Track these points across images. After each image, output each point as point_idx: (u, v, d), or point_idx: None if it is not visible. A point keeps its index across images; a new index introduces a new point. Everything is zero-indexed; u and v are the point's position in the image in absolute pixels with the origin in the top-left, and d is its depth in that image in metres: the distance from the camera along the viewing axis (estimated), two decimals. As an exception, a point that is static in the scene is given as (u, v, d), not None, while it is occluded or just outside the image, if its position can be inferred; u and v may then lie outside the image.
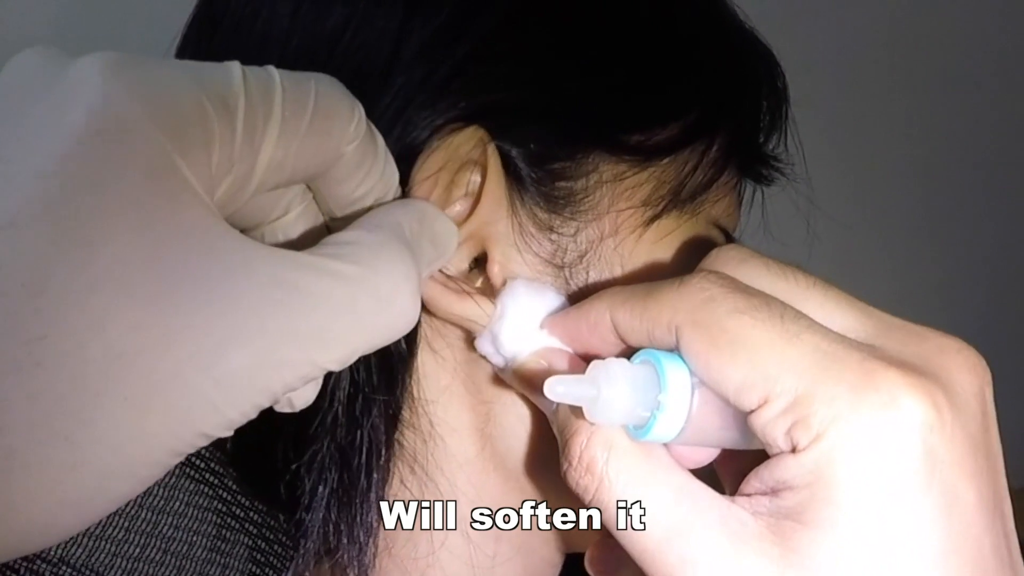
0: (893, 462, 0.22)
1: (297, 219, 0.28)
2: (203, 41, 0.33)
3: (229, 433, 0.21)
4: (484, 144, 0.30)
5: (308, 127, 0.25)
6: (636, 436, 0.26)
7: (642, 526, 0.24)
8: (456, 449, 0.33)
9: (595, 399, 0.25)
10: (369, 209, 0.28)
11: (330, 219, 0.29)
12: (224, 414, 0.21)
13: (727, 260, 0.27)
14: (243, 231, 0.26)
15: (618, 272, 0.32)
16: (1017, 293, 1.20)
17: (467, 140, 0.30)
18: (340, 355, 0.23)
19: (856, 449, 0.22)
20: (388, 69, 0.30)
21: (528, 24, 0.31)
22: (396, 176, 0.29)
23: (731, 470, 0.29)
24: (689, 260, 0.33)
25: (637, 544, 0.24)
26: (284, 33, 0.31)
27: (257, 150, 0.24)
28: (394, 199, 0.29)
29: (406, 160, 0.30)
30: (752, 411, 0.24)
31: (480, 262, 0.32)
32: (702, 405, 0.25)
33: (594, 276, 0.32)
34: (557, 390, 0.25)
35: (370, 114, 0.27)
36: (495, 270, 0.31)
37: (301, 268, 0.22)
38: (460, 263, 0.31)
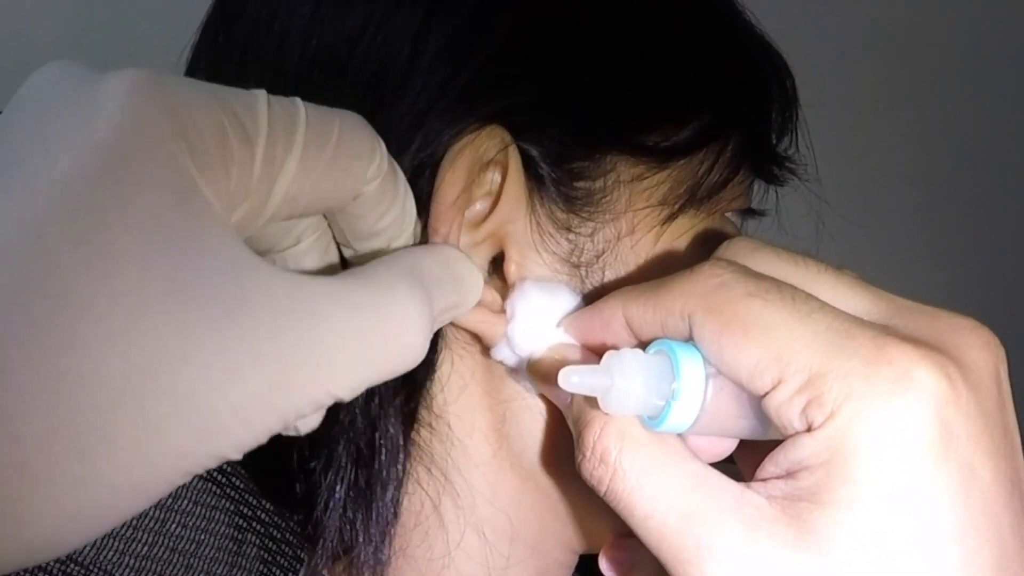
0: (908, 436, 0.22)
1: (309, 249, 0.28)
2: (219, 42, 0.33)
3: (239, 456, 0.21)
4: (505, 144, 0.30)
5: (328, 164, 0.25)
6: (651, 426, 0.26)
7: (656, 514, 0.24)
8: (472, 449, 0.33)
9: (609, 389, 0.25)
10: (386, 243, 0.28)
11: (345, 248, 0.29)
12: (238, 437, 0.21)
13: (738, 249, 0.27)
14: None
15: (634, 271, 0.32)
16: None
17: (489, 141, 0.30)
18: (351, 383, 0.23)
19: (870, 424, 0.22)
20: (409, 70, 0.30)
21: (548, 25, 0.31)
22: (414, 211, 0.29)
23: (751, 463, 0.29)
24: (704, 257, 0.33)
25: (652, 533, 0.24)
26: (303, 34, 0.31)
27: (274, 181, 0.24)
28: (419, 243, 0.29)
29: (429, 164, 0.30)
30: (766, 393, 0.24)
31: (498, 262, 0.32)
32: (717, 393, 0.25)
33: (610, 275, 0.32)
34: (572, 380, 0.26)
35: (391, 116, 0.27)
36: (512, 269, 0.31)
37: (317, 295, 0.22)
38: (480, 263, 0.31)
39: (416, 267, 0.26)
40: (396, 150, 0.29)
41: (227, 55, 0.33)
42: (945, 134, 1.11)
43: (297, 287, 0.22)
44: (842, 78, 1.03)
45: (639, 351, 0.26)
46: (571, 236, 0.32)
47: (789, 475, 0.24)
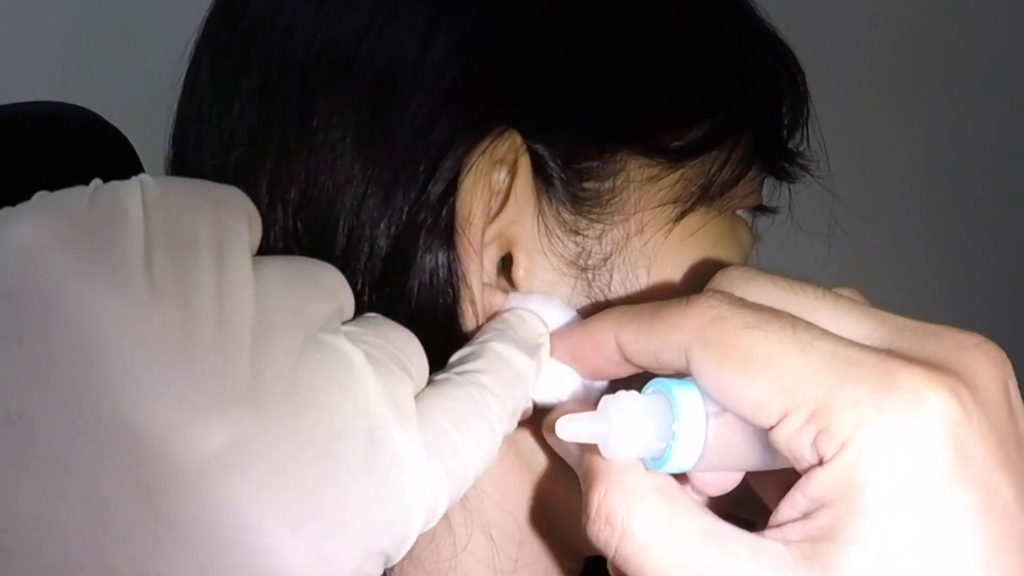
0: (923, 461, 0.21)
1: None
2: (222, 38, 0.33)
3: None
4: (517, 145, 0.30)
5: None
6: (655, 467, 0.25)
7: (669, 572, 0.23)
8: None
9: (608, 435, 0.25)
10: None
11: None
12: None
13: (732, 279, 0.27)
14: None
15: (643, 272, 0.32)
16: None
17: (502, 142, 0.29)
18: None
19: (883, 452, 0.22)
20: (417, 68, 0.29)
21: (560, 23, 0.31)
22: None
23: (771, 488, 0.28)
24: (715, 256, 0.33)
25: None
26: (308, 29, 0.30)
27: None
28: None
29: (444, 169, 0.29)
30: (773, 427, 0.23)
31: (505, 262, 0.31)
32: (721, 429, 0.25)
33: (618, 278, 0.32)
34: (568, 429, 0.25)
35: (401, 115, 0.27)
36: (520, 274, 0.31)
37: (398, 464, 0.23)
38: (489, 267, 0.31)
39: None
40: (407, 154, 0.29)
41: (230, 51, 0.32)
42: (960, 129, 1.10)
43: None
44: (854, 72, 1.02)
45: (635, 393, 0.26)
46: (578, 239, 0.31)
47: (806, 516, 0.23)
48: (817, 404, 0.22)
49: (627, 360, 0.27)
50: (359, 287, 0.29)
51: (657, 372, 0.26)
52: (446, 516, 0.33)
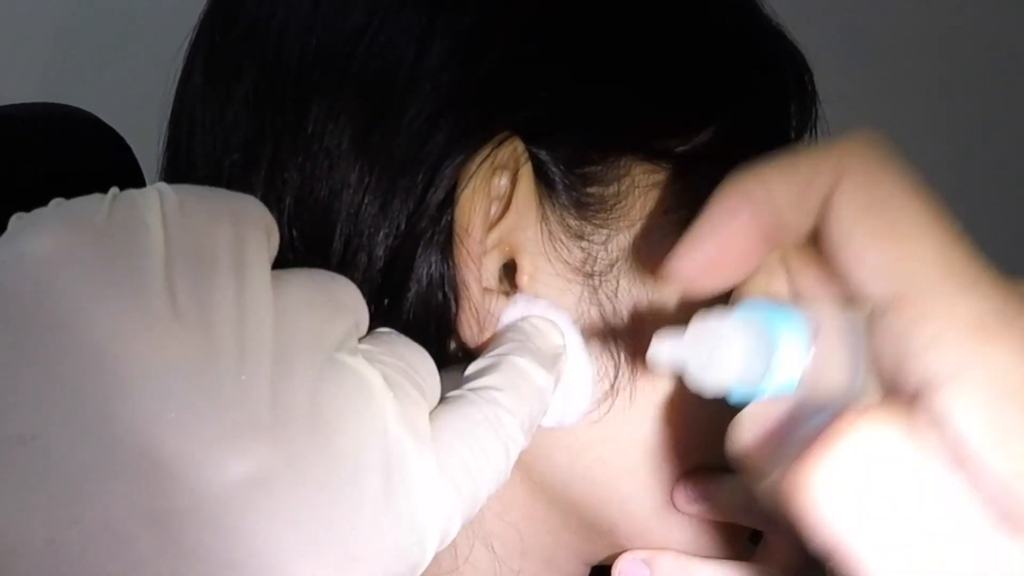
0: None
1: None
2: (215, 41, 0.32)
3: None
4: (517, 149, 0.29)
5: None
6: (748, 396, 0.23)
7: None
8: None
9: (706, 364, 0.23)
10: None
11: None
12: None
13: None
14: None
15: (650, 278, 0.31)
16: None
17: (503, 148, 0.29)
18: None
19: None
20: (414, 73, 0.29)
21: (561, 26, 0.30)
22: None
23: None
24: None
25: None
26: (303, 31, 0.30)
27: None
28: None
29: (449, 173, 0.29)
30: (877, 307, 0.20)
31: (508, 268, 0.31)
32: (817, 358, 0.22)
33: (625, 284, 0.31)
34: (661, 356, 0.23)
35: (398, 121, 0.26)
36: (524, 280, 0.30)
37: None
38: (490, 273, 0.30)
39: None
40: (404, 161, 0.28)
41: (223, 56, 0.31)
42: (969, 128, 1.10)
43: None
44: (861, 72, 1.01)
45: (729, 315, 0.23)
46: (584, 244, 0.31)
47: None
48: (933, 305, 0.19)
49: (768, 236, 0.23)
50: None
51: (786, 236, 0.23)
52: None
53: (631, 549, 0.34)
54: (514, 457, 0.26)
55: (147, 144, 0.39)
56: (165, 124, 0.34)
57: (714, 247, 0.24)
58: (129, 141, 0.55)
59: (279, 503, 0.20)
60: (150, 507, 0.20)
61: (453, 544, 0.32)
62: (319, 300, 0.24)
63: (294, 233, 0.30)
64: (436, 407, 0.26)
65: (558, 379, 0.29)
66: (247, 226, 0.23)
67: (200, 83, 0.32)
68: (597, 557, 0.35)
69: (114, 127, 0.56)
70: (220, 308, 0.21)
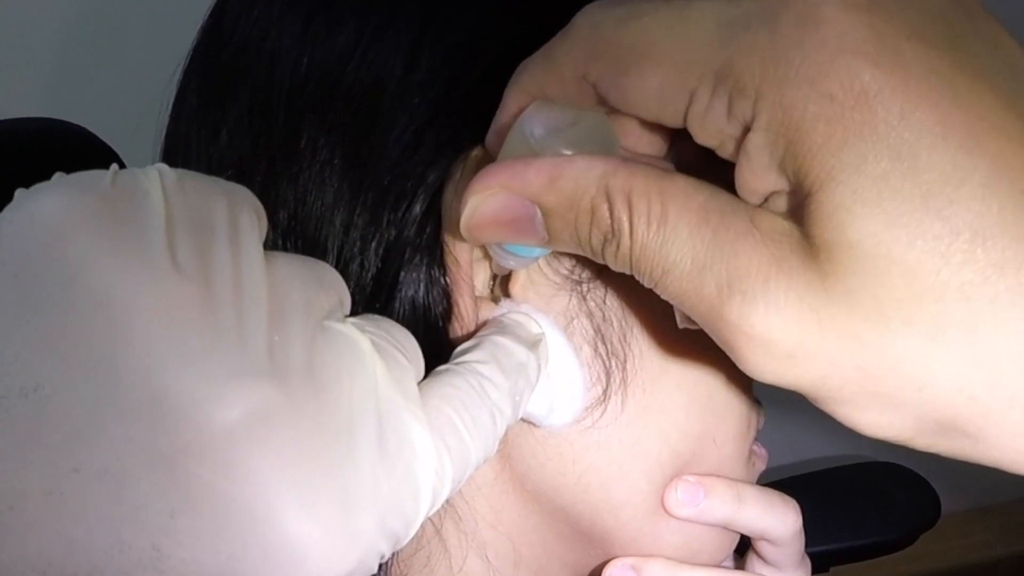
0: (845, 65, 0.19)
1: None
2: (209, 62, 0.32)
3: None
4: None
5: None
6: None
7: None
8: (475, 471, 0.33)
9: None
10: None
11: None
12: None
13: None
14: None
15: (637, 284, 0.32)
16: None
17: (487, 156, 0.29)
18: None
19: (800, 78, 0.19)
20: (403, 88, 0.29)
21: (543, 39, 0.31)
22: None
23: None
24: None
25: (672, 287, 0.22)
26: (294, 51, 0.30)
27: None
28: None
29: (433, 181, 0.29)
30: (686, 116, 0.22)
31: (502, 278, 0.31)
32: None
33: (612, 290, 0.31)
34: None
35: (388, 134, 0.27)
36: (516, 289, 0.31)
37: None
38: (480, 281, 0.31)
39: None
40: (394, 172, 0.29)
41: (217, 76, 0.32)
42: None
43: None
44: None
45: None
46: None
47: (769, 196, 0.21)
48: (716, 69, 0.20)
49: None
50: (351, 306, 0.29)
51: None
52: (441, 537, 0.33)
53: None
54: (501, 428, 0.26)
55: (141, 160, 0.39)
56: (160, 140, 0.34)
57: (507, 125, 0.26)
58: (123, 157, 0.56)
59: (279, 441, 0.20)
60: (152, 446, 0.20)
61: (448, 555, 0.33)
62: (306, 276, 0.24)
63: (288, 246, 0.30)
64: (422, 381, 0.26)
65: (542, 363, 0.29)
66: (240, 204, 0.24)
67: (195, 104, 0.32)
68: (588, 568, 0.36)
69: (109, 143, 0.56)
70: (218, 268, 0.22)
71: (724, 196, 0.22)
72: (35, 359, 0.20)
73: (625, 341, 0.31)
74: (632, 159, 0.23)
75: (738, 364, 0.21)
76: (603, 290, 0.31)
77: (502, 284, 0.31)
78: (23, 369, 0.20)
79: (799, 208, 0.20)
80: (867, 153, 0.19)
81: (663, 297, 0.22)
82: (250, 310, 0.22)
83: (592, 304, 0.31)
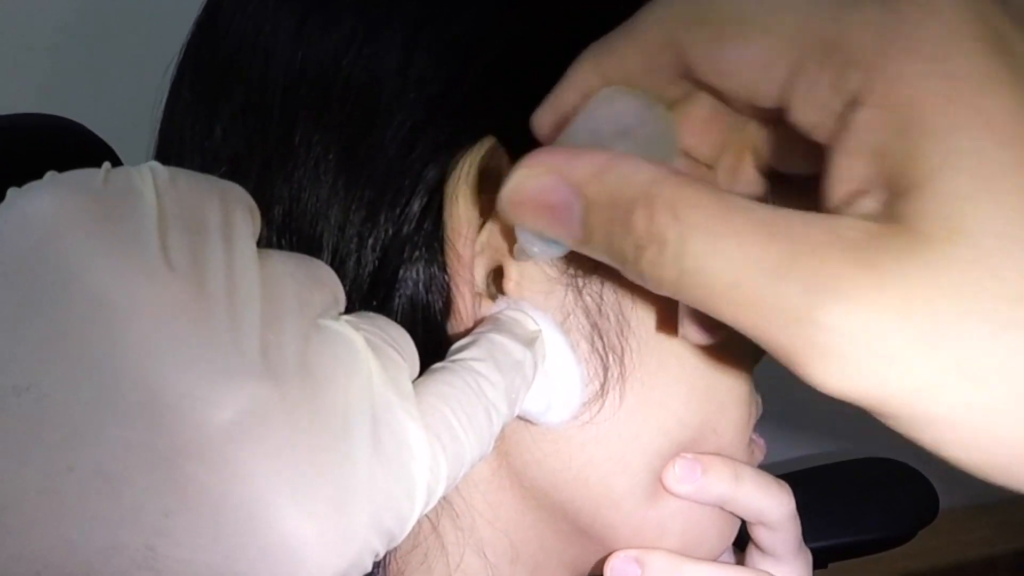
0: (960, 51, 0.18)
1: None
2: (203, 59, 0.32)
3: None
4: (500, 155, 0.29)
5: None
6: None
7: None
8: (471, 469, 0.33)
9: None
10: None
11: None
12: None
13: None
14: None
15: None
16: None
17: (486, 153, 0.29)
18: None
19: (915, 56, 0.19)
20: (399, 84, 0.29)
21: (542, 35, 0.31)
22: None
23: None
24: None
25: (731, 305, 0.20)
26: (289, 48, 0.30)
27: None
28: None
29: (432, 178, 0.29)
30: (785, 89, 0.21)
31: (496, 273, 0.31)
32: None
33: (609, 286, 0.31)
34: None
35: (384, 131, 0.27)
36: (510, 286, 0.30)
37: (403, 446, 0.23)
38: (480, 278, 0.30)
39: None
40: (390, 169, 0.29)
41: (211, 73, 0.32)
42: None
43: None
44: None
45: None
46: None
47: (863, 190, 0.19)
48: (826, 38, 0.19)
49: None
50: (347, 303, 0.29)
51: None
52: (438, 534, 0.33)
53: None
54: (497, 426, 0.26)
55: (137, 155, 0.39)
56: (154, 136, 0.34)
57: (568, 104, 0.26)
58: (120, 153, 0.56)
59: (274, 440, 0.20)
60: (148, 446, 0.20)
61: (445, 552, 0.33)
62: (300, 274, 0.24)
63: (283, 243, 0.30)
64: (417, 378, 0.26)
65: (539, 361, 0.29)
66: (233, 202, 0.24)
67: (189, 99, 0.32)
68: (586, 565, 0.36)
69: (104, 138, 0.56)
70: (212, 267, 0.22)
71: (789, 210, 0.20)
72: (29, 359, 0.20)
73: (623, 335, 0.31)
74: (686, 172, 0.22)
75: (813, 379, 0.19)
76: (599, 285, 0.31)
77: (497, 281, 0.31)
78: (17, 368, 0.20)
79: (895, 203, 0.19)
80: (988, 139, 0.18)
81: (712, 315, 0.20)
82: (244, 309, 0.22)
83: (588, 299, 0.31)
